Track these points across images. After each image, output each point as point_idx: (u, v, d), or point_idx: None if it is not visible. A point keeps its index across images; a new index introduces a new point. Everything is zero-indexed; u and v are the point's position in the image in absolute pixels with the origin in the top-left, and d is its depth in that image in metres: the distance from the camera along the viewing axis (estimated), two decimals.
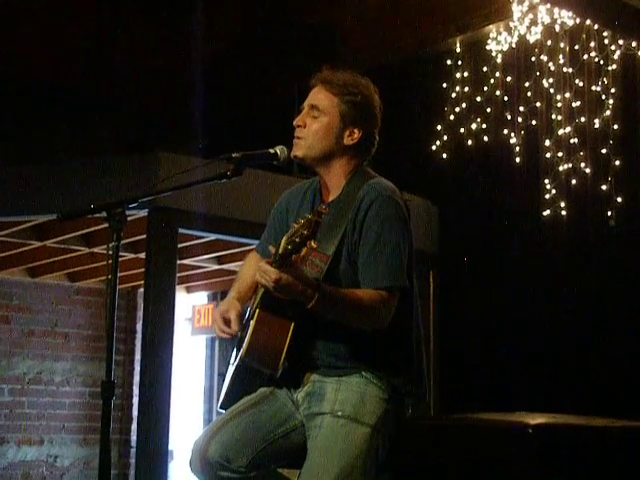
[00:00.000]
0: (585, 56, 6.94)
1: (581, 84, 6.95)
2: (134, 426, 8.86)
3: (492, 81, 7.41)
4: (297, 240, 2.47)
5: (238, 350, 2.89)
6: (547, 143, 7.04)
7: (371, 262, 2.72)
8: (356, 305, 2.66)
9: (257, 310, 2.70)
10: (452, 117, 7.59)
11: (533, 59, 7.21)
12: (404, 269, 2.74)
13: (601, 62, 6.88)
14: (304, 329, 2.69)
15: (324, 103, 2.86)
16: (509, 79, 7.36)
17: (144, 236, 6.32)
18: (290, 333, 2.66)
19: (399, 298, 2.73)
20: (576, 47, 6.99)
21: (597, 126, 6.85)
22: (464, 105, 7.55)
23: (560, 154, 6.97)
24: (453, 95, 7.59)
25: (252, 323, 2.68)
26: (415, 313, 2.86)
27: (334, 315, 2.66)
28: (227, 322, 2.80)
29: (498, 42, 7.37)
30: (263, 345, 2.65)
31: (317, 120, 2.85)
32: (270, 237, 3.02)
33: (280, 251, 2.51)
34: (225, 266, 8.10)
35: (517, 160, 7.24)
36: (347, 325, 2.69)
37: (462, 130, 7.55)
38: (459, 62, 7.59)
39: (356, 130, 2.87)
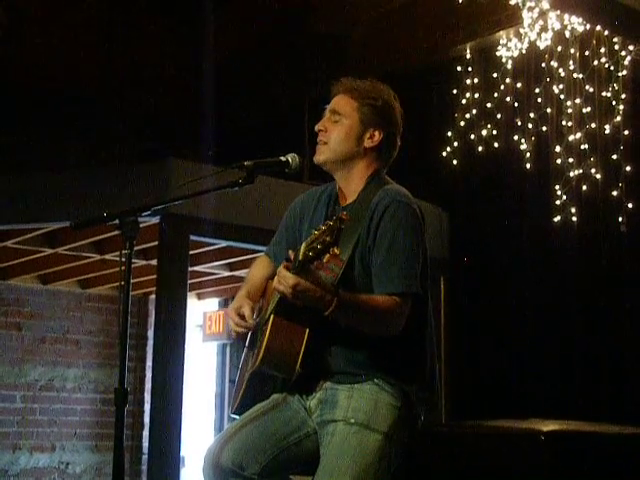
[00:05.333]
0: (595, 62, 6.94)
1: (591, 90, 6.94)
2: (146, 432, 8.88)
3: (502, 87, 7.40)
4: (319, 247, 2.47)
5: (247, 354, 2.90)
6: (557, 149, 7.03)
7: (385, 268, 2.71)
8: (372, 311, 2.66)
9: (272, 316, 2.70)
10: (462, 123, 7.58)
11: (543, 65, 7.20)
12: (417, 275, 2.74)
13: (611, 68, 6.88)
14: (319, 335, 2.70)
15: (344, 107, 2.90)
16: (519, 85, 7.35)
17: (156, 243, 6.34)
18: (305, 339, 2.66)
19: (413, 305, 2.73)
20: (586, 53, 6.99)
21: (607, 132, 6.84)
22: (474, 111, 7.54)
23: (571, 160, 6.97)
24: (463, 101, 7.58)
25: (267, 329, 2.68)
26: (429, 320, 2.87)
27: (350, 321, 2.66)
28: (242, 317, 2.83)
29: (508, 48, 7.37)
30: (279, 351, 2.65)
31: (338, 124, 2.89)
32: (281, 240, 3.03)
33: (300, 257, 2.50)
34: (236, 273, 8.11)
35: (527, 166, 7.23)
36: (360, 331, 2.69)
37: (472, 136, 7.54)
38: (469, 68, 7.58)
39: (376, 132, 2.89)
